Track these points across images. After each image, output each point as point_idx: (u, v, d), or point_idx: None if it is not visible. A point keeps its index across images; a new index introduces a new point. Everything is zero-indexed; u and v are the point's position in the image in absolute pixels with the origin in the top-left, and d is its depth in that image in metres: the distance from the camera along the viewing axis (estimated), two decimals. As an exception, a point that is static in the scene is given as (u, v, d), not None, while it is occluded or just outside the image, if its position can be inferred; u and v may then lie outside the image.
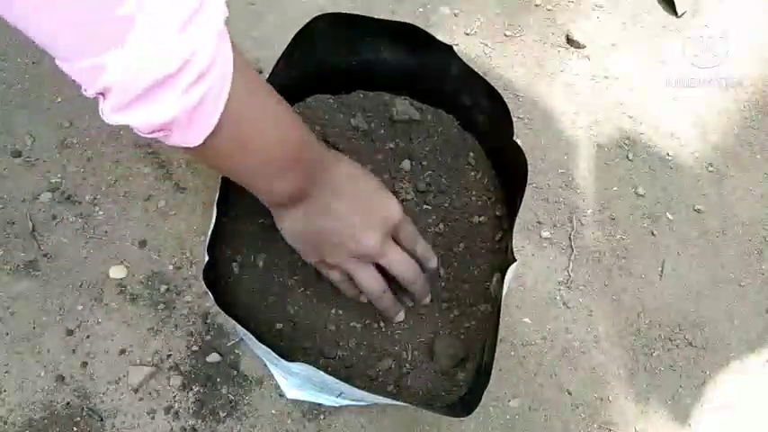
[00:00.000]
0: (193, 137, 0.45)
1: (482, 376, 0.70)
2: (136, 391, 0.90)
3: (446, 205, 0.91)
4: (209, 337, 0.95)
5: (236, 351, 0.94)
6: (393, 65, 0.91)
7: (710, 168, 1.18)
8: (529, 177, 0.76)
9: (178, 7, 0.34)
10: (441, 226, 0.90)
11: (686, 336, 1.03)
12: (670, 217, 1.12)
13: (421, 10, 1.27)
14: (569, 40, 1.26)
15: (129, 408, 0.89)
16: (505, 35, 1.26)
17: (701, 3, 1.37)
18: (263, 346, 0.66)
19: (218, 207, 0.74)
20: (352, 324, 0.83)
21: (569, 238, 1.07)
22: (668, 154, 1.18)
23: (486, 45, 1.25)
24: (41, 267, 0.97)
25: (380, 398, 0.68)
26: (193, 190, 1.06)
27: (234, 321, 0.67)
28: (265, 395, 0.91)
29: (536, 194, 1.10)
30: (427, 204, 0.91)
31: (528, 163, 0.76)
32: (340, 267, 0.71)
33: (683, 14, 1.33)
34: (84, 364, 0.91)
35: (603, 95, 1.22)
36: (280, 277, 0.84)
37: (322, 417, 0.90)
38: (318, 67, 0.90)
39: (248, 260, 0.85)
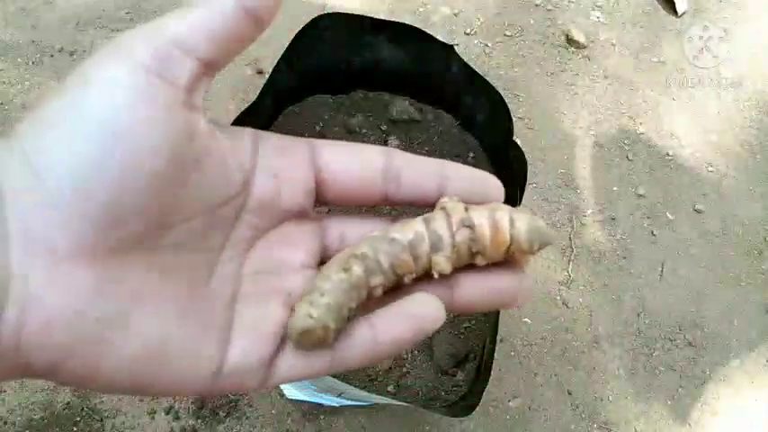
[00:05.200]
0: None
1: (482, 376, 0.70)
2: (136, 391, 0.90)
3: (446, 205, 0.91)
4: (209, 337, 0.95)
5: (236, 351, 0.94)
6: (393, 65, 0.91)
7: (710, 168, 1.18)
8: (529, 177, 0.76)
9: None
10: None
11: (686, 336, 1.03)
12: (670, 217, 1.12)
13: (421, 10, 1.27)
14: (569, 40, 1.26)
15: (129, 408, 0.89)
16: (505, 35, 1.26)
17: (701, 3, 1.37)
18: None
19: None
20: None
21: (569, 238, 1.07)
22: (668, 154, 1.18)
23: (486, 45, 1.25)
24: (41, 267, 0.97)
25: (380, 398, 0.68)
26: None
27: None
28: (265, 395, 0.91)
29: (536, 194, 1.10)
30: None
31: (528, 163, 0.76)
32: None
33: (682, 14, 1.33)
34: (84, 364, 0.91)
35: (603, 95, 1.22)
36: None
37: (322, 417, 0.89)
38: (318, 67, 0.90)
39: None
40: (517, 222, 0.22)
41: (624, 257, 1.07)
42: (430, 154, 0.94)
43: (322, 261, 0.23)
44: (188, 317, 0.19)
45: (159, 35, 0.18)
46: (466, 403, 0.73)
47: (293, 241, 0.22)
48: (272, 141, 0.22)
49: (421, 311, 0.20)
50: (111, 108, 0.17)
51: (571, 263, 1.05)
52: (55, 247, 0.16)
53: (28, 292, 0.16)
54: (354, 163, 0.22)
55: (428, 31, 0.84)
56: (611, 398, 0.96)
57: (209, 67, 0.19)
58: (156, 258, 0.18)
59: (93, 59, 0.18)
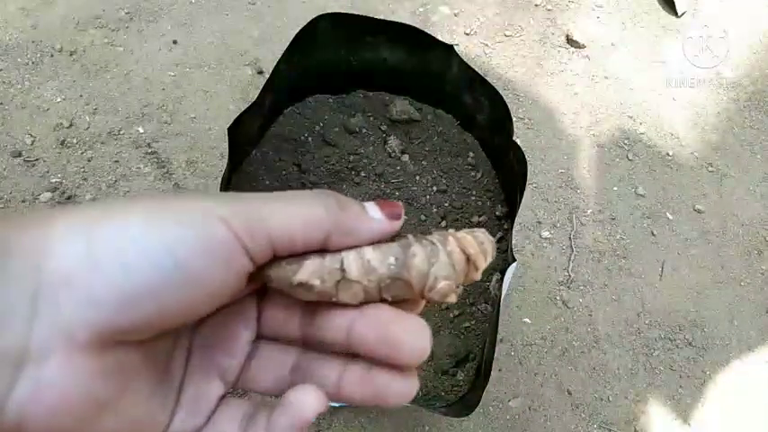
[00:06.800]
0: None
1: (482, 376, 0.70)
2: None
3: (446, 205, 0.91)
4: (209, 337, 0.95)
5: (236, 351, 0.94)
6: (393, 65, 0.91)
7: (710, 168, 1.18)
8: (529, 177, 0.76)
9: None
10: (441, 225, 0.90)
11: (686, 336, 1.03)
12: (670, 217, 1.12)
13: (421, 10, 1.27)
14: (569, 40, 1.26)
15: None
16: (505, 35, 1.26)
17: (701, 3, 1.37)
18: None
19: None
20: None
21: (569, 238, 1.07)
22: (668, 154, 1.18)
23: (486, 45, 1.25)
24: (41, 267, 0.97)
25: (380, 398, 0.68)
26: (193, 190, 1.06)
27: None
28: (265, 395, 0.91)
29: (536, 194, 1.10)
30: (427, 204, 0.91)
31: (528, 163, 0.76)
32: None
33: (683, 14, 1.33)
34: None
35: (603, 95, 1.22)
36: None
37: (322, 417, 0.89)
38: (319, 67, 0.90)
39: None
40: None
41: (624, 257, 1.07)
42: (430, 154, 0.94)
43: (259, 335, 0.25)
44: (156, 395, 0.21)
45: (259, 222, 0.20)
46: (466, 403, 0.73)
47: (234, 319, 0.24)
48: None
49: (300, 404, 0.21)
50: (183, 246, 0.18)
51: (571, 263, 1.05)
52: (74, 336, 0.17)
53: (43, 374, 0.17)
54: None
55: (428, 31, 0.84)
56: (611, 398, 0.96)
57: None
58: (140, 348, 0.20)
59: (190, 197, 0.20)
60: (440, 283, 0.22)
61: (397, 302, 0.23)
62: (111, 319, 0.18)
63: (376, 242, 0.22)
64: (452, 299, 0.23)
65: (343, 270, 0.21)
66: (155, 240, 0.18)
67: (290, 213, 0.20)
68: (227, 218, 0.19)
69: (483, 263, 0.23)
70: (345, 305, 0.22)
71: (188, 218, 0.19)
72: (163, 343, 0.21)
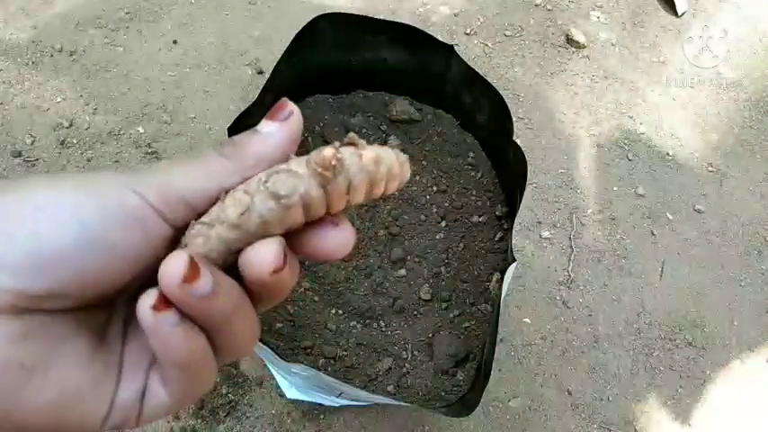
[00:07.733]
0: None
1: (482, 376, 0.70)
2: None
3: (446, 205, 0.91)
4: (209, 337, 0.95)
5: (236, 351, 0.94)
6: (393, 65, 0.91)
7: (710, 168, 1.18)
8: (529, 177, 0.76)
9: None
10: (441, 225, 0.90)
11: (686, 336, 1.03)
12: (670, 217, 1.12)
13: (421, 10, 1.27)
14: (569, 40, 1.26)
15: (129, 408, 0.89)
16: (505, 35, 1.26)
17: (701, 3, 1.37)
18: (264, 346, 0.66)
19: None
20: (352, 324, 0.83)
21: (569, 238, 1.07)
22: (668, 154, 1.18)
23: (486, 45, 1.25)
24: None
25: (380, 398, 0.68)
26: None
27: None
28: (265, 395, 0.91)
29: (536, 194, 1.10)
30: (427, 204, 0.91)
31: (528, 163, 0.76)
32: None
33: (683, 14, 1.33)
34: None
35: (603, 95, 1.22)
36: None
37: (322, 417, 0.89)
38: (319, 67, 0.90)
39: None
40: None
41: (624, 257, 1.07)
42: (430, 154, 0.94)
43: None
44: (95, 362, 0.20)
45: (169, 186, 0.20)
46: (466, 403, 0.73)
47: None
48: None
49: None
50: (94, 214, 0.18)
51: (571, 263, 1.05)
52: None
53: None
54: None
55: (428, 31, 0.84)
56: (611, 398, 0.96)
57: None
58: (69, 316, 0.19)
59: (99, 172, 0.20)
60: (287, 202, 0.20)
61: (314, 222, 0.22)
62: (23, 285, 0.17)
63: (290, 150, 0.22)
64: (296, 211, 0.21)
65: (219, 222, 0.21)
66: (64, 209, 0.18)
67: (194, 172, 0.21)
68: (135, 186, 0.19)
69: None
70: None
71: (98, 188, 0.19)
72: (97, 313, 0.21)
